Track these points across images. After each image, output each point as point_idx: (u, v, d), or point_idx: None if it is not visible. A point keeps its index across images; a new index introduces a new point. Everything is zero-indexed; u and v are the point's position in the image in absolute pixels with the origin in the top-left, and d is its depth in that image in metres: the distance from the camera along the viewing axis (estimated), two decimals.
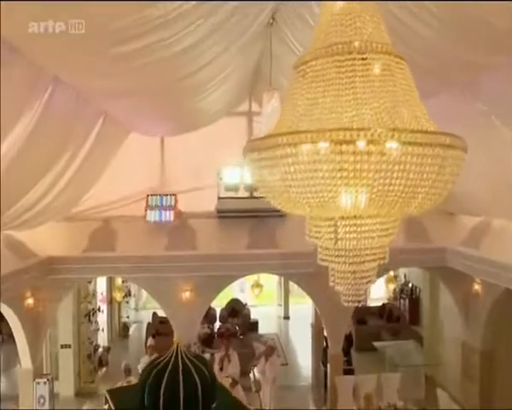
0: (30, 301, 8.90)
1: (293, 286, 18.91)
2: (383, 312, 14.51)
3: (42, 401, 9.21)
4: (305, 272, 9.04)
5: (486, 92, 4.75)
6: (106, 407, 3.46)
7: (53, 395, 9.41)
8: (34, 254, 8.56)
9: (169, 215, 9.02)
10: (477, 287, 9.27)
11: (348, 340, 10.93)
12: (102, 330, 12.87)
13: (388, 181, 1.54)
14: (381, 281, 17.80)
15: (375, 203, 1.62)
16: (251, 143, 1.81)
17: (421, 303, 14.16)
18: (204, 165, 9.31)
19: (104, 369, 12.31)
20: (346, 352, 10.64)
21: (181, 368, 3.29)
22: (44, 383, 9.24)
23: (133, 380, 7.21)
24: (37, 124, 5.09)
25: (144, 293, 18.22)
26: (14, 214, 6.84)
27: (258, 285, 11.43)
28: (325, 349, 10.71)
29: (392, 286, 12.87)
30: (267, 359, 8.74)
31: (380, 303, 15.53)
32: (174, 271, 8.78)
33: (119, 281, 11.06)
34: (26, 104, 4.79)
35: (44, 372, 9.78)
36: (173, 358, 3.34)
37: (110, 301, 14.00)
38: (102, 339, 13.02)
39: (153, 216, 8.98)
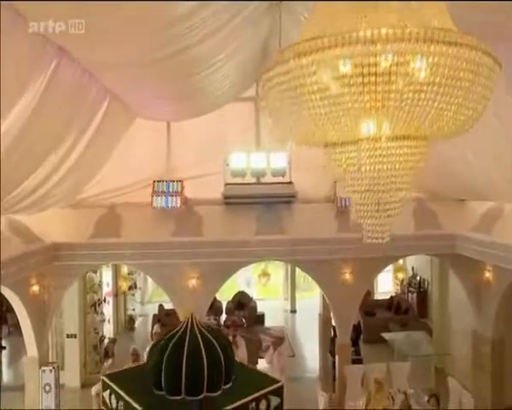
0: (35, 287, 8.83)
1: (299, 280, 18.83)
2: (391, 304, 14.35)
3: (47, 388, 9.15)
4: (314, 259, 8.93)
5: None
6: (105, 393, 3.26)
7: (59, 384, 9.34)
8: (40, 239, 8.50)
9: (175, 201, 8.92)
10: (488, 275, 9.10)
11: (356, 330, 10.81)
12: (108, 321, 12.81)
13: (419, 87, 1.41)
14: (389, 275, 17.74)
15: (405, 116, 1.50)
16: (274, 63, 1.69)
17: (429, 296, 14.00)
18: (210, 151, 9.20)
19: (110, 360, 12.23)
20: (355, 342, 10.51)
21: (187, 340, 3.10)
22: (50, 371, 9.17)
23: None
24: (41, 100, 4.99)
25: (150, 287, 18.16)
26: (17, 197, 6.76)
27: (265, 274, 11.32)
28: (333, 339, 10.58)
29: (400, 275, 12.71)
30: (275, 349, 8.63)
31: (387, 296, 15.36)
32: (180, 257, 8.68)
33: (124, 270, 10.98)
34: (29, 77, 4.70)
35: (50, 361, 9.72)
36: (189, 330, 3.17)
37: (116, 293, 13.93)
38: (108, 330, 12.95)
39: (159, 202, 8.89)
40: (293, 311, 16.88)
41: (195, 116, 9.11)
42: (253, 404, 3.03)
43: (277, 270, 18.74)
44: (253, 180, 9.01)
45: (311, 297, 17.34)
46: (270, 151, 9.03)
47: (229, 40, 5.92)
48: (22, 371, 9.77)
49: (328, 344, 10.69)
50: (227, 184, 8.96)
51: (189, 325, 3.20)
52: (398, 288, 16.08)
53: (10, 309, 12.16)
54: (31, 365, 9.13)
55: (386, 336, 11.19)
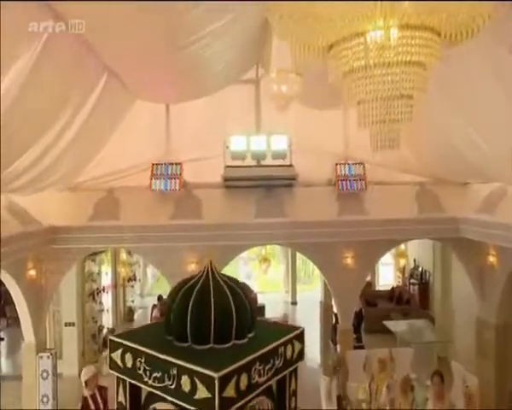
0: (32, 272, 8.72)
1: (299, 274, 18.71)
2: (393, 295, 14.22)
3: (45, 375, 9.02)
4: (314, 243, 8.81)
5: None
6: (115, 354, 2.95)
7: (56, 370, 9.20)
8: (37, 221, 8.38)
9: (174, 184, 8.81)
10: (491, 259, 8.96)
11: (358, 317, 10.69)
12: (107, 311, 12.69)
13: None
14: (390, 268, 17.62)
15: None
16: None
17: (431, 288, 13.86)
18: (210, 134, 9.07)
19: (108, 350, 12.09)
20: (356, 329, 10.39)
21: (212, 286, 2.91)
22: (48, 357, 9.05)
23: None
24: (35, 68, 4.87)
25: (150, 279, 18.03)
26: (13, 173, 6.64)
27: (265, 260, 11.19)
28: (335, 327, 10.46)
29: (402, 262, 12.58)
30: None
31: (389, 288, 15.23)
32: (179, 240, 8.56)
33: (123, 256, 10.86)
34: (23, 43, 4.59)
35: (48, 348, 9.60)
36: (204, 276, 3.00)
37: (115, 284, 13.82)
38: (107, 321, 12.82)
39: (158, 185, 8.78)
40: (294, 303, 16.77)
41: (194, 98, 8.99)
42: (281, 349, 2.91)
43: (279, 266, 18.65)
44: (254, 163, 8.89)
45: (311, 290, 17.24)
46: (271, 134, 8.92)
47: (224, 8, 5.79)
48: (21, 362, 9.65)
49: (330, 332, 10.56)
50: (227, 167, 8.84)
51: (210, 271, 3.02)
52: (400, 280, 15.94)
53: (9, 302, 12.09)
54: (28, 351, 9.02)
55: (387, 324, 11.05)
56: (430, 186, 9.30)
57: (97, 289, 11.99)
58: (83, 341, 11.30)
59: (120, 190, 9.05)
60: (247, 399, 2.59)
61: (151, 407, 2.83)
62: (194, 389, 2.45)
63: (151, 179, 8.87)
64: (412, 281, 15.07)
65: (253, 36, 8.00)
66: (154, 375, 2.66)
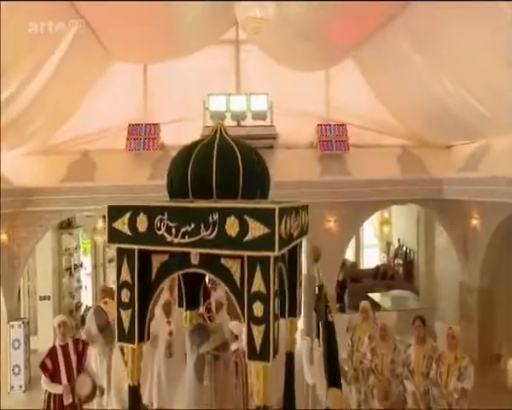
0: (4, 236, 8.38)
1: None
2: (377, 273, 14.09)
3: (16, 344, 8.66)
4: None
5: None
6: (118, 222, 2.58)
7: (28, 340, 8.86)
8: (9, 181, 8.04)
9: (152, 145, 8.57)
10: (475, 222, 8.87)
11: (342, 287, 10.52)
12: (85, 288, 12.31)
13: None
14: (375, 250, 17.52)
15: None
16: None
17: (415, 266, 13.79)
18: (190, 95, 8.84)
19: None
20: (340, 298, 10.23)
21: (217, 143, 2.69)
22: (19, 326, 8.70)
23: (108, 300, 6.71)
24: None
25: None
26: None
27: None
28: (318, 296, 10.27)
29: (386, 229, 12.47)
30: None
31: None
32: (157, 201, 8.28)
33: (100, 223, 10.54)
34: None
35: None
36: (218, 136, 2.73)
37: (95, 264, 13.43)
38: (86, 298, 12.44)
39: (134, 145, 8.52)
40: None
41: (172, 57, 8.77)
42: (301, 212, 2.71)
43: None
44: (233, 123, 8.68)
45: None
46: (251, 94, 8.73)
47: None
48: None
49: (313, 303, 10.35)
50: (206, 127, 8.60)
51: (219, 132, 2.75)
52: (385, 260, 15.86)
53: None
54: None
55: (372, 296, 10.91)
56: (413, 149, 9.19)
57: (75, 265, 11.63)
58: None
59: (95, 153, 8.77)
60: (290, 245, 2.43)
61: (164, 281, 2.54)
62: (244, 229, 2.20)
63: (127, 140, 8.61)
64: (397, 260, 14.97)
65: None
66: (184, 230, 2.33)
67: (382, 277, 13.61)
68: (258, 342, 2.18)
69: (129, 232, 2.49)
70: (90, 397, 5.44)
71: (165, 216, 2.38)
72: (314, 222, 8.76)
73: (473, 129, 7.85)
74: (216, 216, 2.27)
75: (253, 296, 2.21)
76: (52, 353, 5.47)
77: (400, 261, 14.77)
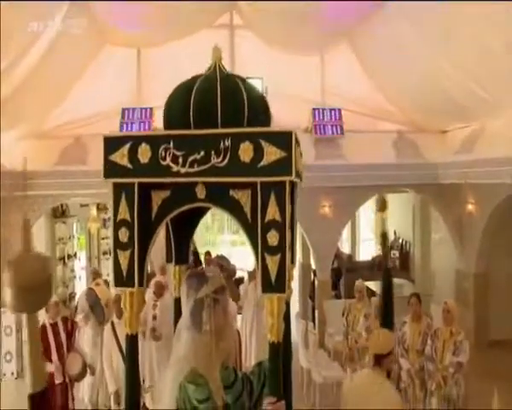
0: None
1: None
2: (373, 264, 14.06)
3: (8, 331, 8.56)
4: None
5: None
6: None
7: (20, 326, 8.73)
8: (2, 165, 7.94)
9: (145, 129, 8.49)
10: (470, 207, 8.83)
11: (336, 274, 10.48)
12: (79, 278, 12.21)
13: None
14: (371, 244, 17.49)
15: None
16: None
17: (411, 256, 13.79)
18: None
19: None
20: (335, 285, 10.18)
21: (218, 74, 2.47)
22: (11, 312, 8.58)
23: (101, 282, 6.63)
24: None
25: None
26: None
27: None
28: (313, 283, 10.25)
29: (383, 216, 12.38)
30: (251, 281, 8.20)
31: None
32: None
33: (94, 212, 10.45)
34: None
35: None
36: (218, 68, 2.51)
37: (90, 256, 13.34)
38: (79, 289, 12.34)
39: (127, 129, 8.44)
40: None
41: (166, 40, 8.71)
42: None
43: None
44: None
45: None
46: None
47: None
48: None
49: (308, 289, 10.32)
50: None
51: (218, 67, 2.58)
52: (381, 252, 15.84)
53: None
54: None
55: (368, 284, 10.84)
56: (408, 134, 9.15)
57: (69, 255, 11.53)
58: None
59: (89, 137, 8.68)
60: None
61: (165, 220, 2.32)
62: (259, 155, 2.06)
63: (121, 124, 8.53)
64: (393, 252, 14.95)
65: None
66: (192, 158, 2.14)
67: (378, 268, 13.58)
68: (273, 272, 2.05)
69: (129, 165, 2.23)
70: (81, 376, 5.39)
71: (171, 145, 2.18)
72: (308, 207, 8.82)
73: (469, 112, 7.83)
74: (228, 142, 2.11)
75: (268, 225, 2.05)
76: (42, 332, 5.40)
77: (396, 253, 14.76)
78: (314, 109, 8.89)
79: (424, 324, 5.57)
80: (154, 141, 2.21)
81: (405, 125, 9.23)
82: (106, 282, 7.09)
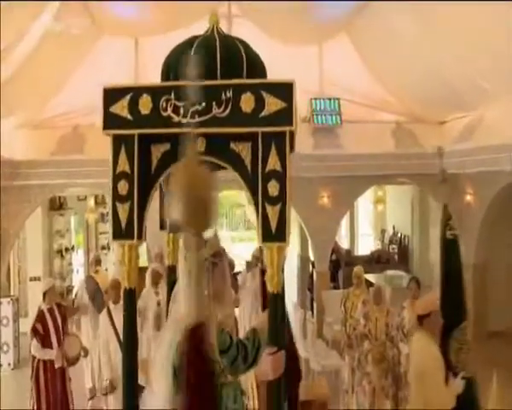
0: None
1: None
2: (372, 258, 14.05)
3: (5, 322, 8.52)
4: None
5: None
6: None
7: (18, 317, 8.72)
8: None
9: None
10: (469, 197, 8.81)
11: (335, 266, 10.45)
12: (77, 271, 12.17)
13: None
14: (370, 239, 17.47)
15: None
16: None
17: (410, 251, 13.79)
18: None
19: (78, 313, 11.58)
20: (334, 277, 10.15)
21: (216, 34, 2.51)
22: (8, 303, 8.58)
23: (100, 269, 6.63)
24: None
25: None
26: None
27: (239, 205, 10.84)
28: (311, 276, 10.21)
29: (380, 208, 12.42)
30: (249, 270, 8.16)
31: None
32: None
33: (91, 203, 10.42)
34: None
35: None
36: (209, 30, 2.52)
37: (87, 250, 13.29)
38: (77, 282, 12.29)
39: None
40: None
41: (164, 31, 8.66)
42: None
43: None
44: None
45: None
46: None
47: None
48: None
49: (307, 282, 10.29)
50: None
51: (216, 29, 2.54)
52: (380, 247, 15.82)
53: None
54: None
55: (367, 276, 10.82)
56: (407, 125, 9.13)
57: (66, 248, 11.49)
58: None
59: (86, 127, 8.65)
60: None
61: (164, 173, 2.31)
62: (260, 105, 2.09)
63: None
64: (392, 247, 14.94)
65: None
66: (194, 109, 2.14)
67: (377, 261, 13.57)
68: (273, 222, 2.08)
69: (129, 116, 2.23)
70: (77, 358, 5.41)
71: (172, 96, 2.18)
72: (307, 198, 8.79)
73: (468, 102, 7.81)
74: (230, 93, 2.14)
75: (268, 175, 2.09)
76: (41, 317, 5.43)
77: (395, 248, 14.75)
78: (312, 99, 8.86)
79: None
80: (156, 92, 2.21)
81: (404, 115, 9.21)
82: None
